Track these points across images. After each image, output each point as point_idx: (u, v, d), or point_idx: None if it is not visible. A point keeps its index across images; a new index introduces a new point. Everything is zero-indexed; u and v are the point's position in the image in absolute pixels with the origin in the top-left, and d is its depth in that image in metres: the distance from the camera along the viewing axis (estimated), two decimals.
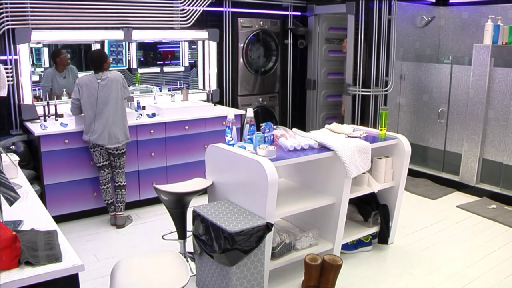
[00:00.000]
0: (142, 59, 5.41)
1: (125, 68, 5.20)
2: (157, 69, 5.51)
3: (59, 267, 1.65)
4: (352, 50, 5.57)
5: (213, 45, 5.34)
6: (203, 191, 3.19)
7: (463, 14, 5.71)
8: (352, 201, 3.49)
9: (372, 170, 3.50)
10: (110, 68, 4.02)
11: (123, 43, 5.06)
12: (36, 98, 4.43)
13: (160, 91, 5.20)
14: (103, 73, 3.87)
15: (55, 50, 4.72)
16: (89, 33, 4.53)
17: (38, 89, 4.53)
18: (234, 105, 5.65)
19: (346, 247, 3.56)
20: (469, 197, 4.90)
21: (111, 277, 2.02)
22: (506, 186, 4.72)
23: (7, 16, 4.07)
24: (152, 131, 4.40)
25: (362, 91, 5.50)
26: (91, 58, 3.95)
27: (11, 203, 1.85)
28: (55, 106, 4.30)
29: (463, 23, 5.72)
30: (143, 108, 4.74)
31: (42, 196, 3.89)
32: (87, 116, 3.87)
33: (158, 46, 5.48)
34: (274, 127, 3.32)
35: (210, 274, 2.86)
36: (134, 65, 5.30)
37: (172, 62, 5.64)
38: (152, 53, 5.50)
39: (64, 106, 4.41)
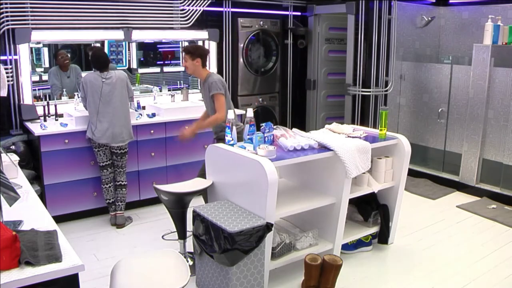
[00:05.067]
0: (142, 59, 5.41)
1: (125, 68, 5.19)
2: (157, 69, 5.51)
3: (59, 267, 1.65)
4: (352, 50, 5.57)
5: (213, 45, 5.34)
6: (203, 191, 3.18)
7: (463, 14, 5.71)
8: (352, 201, 3.48)
9: (372, 170, 3.50)
10: None
11: (123, 43, 5.06)
12: (36, 98, 4.43)
13: (160, 91, 5.20)
14: (108, 72, 3.87)
15: (56, 51, 4.73)
16: (89, 33, 4.53)
17: (39, 89, 4.53)
18: (234, 105, 5.63)
19: (346, 247, 3.56)
20: (469, 197, 4.90)
21: (111, 277, 2.02)
22: (506, 186, 4.72)
23: (7, 16, 4.07)
24: (152, 131, 4.39)
25: (362, 91, 5.51)
26: (95, 58, 3.92)
27: (11, 203, 1.85)
28: (55, 106, 4.30)
29: (463, 23, 5.71)
30: (143, 108, 4.74)
31: (42, 196, 3.89)
32: (90, 114, 3.88)
33: (158, 46, 5.48)
34: (274, 127, 3.31)
35: (210, 274, 2.86)
36: (134, 65, 5.30)
37: (172, 62, 5.64)
38: (152, 53, 5.50)
39: (64, 106, 4.41)
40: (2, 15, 4.05)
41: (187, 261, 3.15)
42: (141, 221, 4.26)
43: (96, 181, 4.14)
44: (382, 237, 3.70)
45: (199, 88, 4.21)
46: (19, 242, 1.65)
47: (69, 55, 4.72)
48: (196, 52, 3.68)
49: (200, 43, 5.36)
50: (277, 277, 3.19)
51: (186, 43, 5.48)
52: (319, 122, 6.33)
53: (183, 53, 3.75)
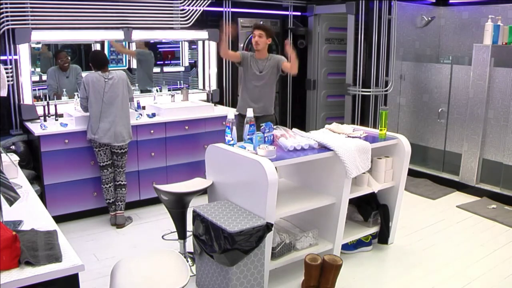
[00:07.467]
0: None
1: (125, 68, 5.20)
2: (157, 69, 5.51)
3: (59, 267, 1.65)
4: (352, 50, 5.57)
5: (213, 45, 5.34)
6: (203, 191, 3.19)
7: (463, 14, 5.71)
8: (352, 201, 3.48)
9: (372, 170, 3.50)
10: (110, 69, 4.01)
11: (123, 43, 5.06)
12: (36, 98, 4.43)
13: (160, 91, 5.20)
14: (110, 72, 3.88)
15: (56, 51, 4.72)
16: (89, 33, 4.52)
17: (39, 89, 4.53)
18: (234, 105, 5.63)
19: (346, 247, 3.56)
20: (469, 197, 4.90)
21: (111, 277, 2.02)
22: (506, 186, 4.72)
23: (7, 16, 4.07)
24: (152, 131, 4.39)
25: (362, 91, 5.50)
26: (96, 58, 3.93)
27: (11, 203, 1.85)
28: (55, 106, 4.30)
29: (463, 23, 5.72)
30: (143, 108, 4.74)
31: (42, 196, 3.89)
32: (92, 114, 3.88)
33: (158, 46, 5.47)
34: (274, 127, 3.32)
35: (210, 274, 2.86)
36: (134, 65, 5.30)
37: (172, 62, 5.64)
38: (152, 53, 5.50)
39: (64, 106, 4.41)
40: (2, 15, 4.05)
41: (187, 261, 3.16)
42: (141, 221, 4.26)
43: (96, 181, 4.14)
44: (382, 237, 3.70)
45: (250, 64, 4.21)
46: (19, 242, 1.65)
47: (69, 58, 4.70)
48: (271, 33, 4.27)
49: (200, 43, 5.37)
50: (277, 277, 3.19)
51: (186, 43, 5.49)
52: (319, 122, 6.33)
53: (258, 29, 4.15)
